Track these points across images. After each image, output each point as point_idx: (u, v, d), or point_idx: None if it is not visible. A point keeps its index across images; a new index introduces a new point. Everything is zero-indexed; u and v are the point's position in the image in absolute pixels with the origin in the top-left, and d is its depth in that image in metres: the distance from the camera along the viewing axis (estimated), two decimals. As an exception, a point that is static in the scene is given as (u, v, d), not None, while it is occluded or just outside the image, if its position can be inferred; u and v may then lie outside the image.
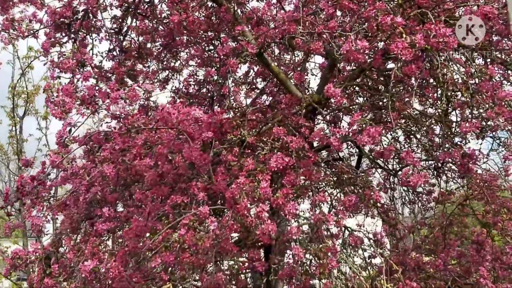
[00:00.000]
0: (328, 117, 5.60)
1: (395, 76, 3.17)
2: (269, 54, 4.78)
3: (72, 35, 3.60)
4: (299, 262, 3.25)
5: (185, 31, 3.90)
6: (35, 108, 7.72)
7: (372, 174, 5.97)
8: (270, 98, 5.34)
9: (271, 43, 3.95)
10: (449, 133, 4.80)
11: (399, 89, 3.99)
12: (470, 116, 3.49)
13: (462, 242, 5.42)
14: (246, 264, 3.77)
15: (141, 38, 4.88)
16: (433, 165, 4.23)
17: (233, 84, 4.50)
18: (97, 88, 3.06)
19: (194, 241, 3.06)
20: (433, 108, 5.10)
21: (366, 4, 3.55)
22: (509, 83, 4.13)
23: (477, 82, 3.53)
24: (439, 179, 4.51)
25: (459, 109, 3.73)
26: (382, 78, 5.29)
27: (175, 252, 3.23)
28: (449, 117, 4.68)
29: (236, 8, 4.04)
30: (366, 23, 3.37)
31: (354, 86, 5.22)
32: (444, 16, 3.23)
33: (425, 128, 5.08)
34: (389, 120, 4.51)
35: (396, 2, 3.54)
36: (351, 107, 5.41)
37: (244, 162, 3.28)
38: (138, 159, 2.99)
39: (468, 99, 3.50)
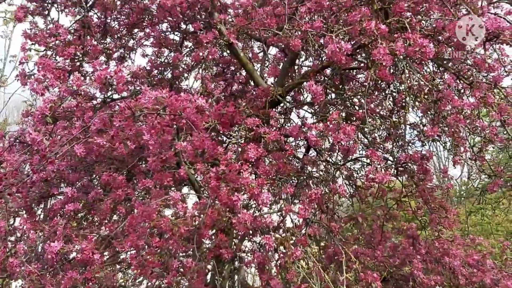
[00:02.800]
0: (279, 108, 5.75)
1: (371, 79, 3.35)
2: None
3: (47, 6, 3.43)
4: (270, 251, 3.36)
5: (168, 15, 3.84)
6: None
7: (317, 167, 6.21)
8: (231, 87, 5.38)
9: (248, 34, 4.00)
10: (396, 133, 5.14)
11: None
12: (432, 121, 3.75)
13: (399, 235, 5.84)
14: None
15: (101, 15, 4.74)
16: (394, 164, 4.50)
17: (204, 70, 4.50)
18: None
19: (170, 226, 3.07)
20: (381, 109, 5.42)
21: (343, 6, 3.72)
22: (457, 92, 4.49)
23: (436, 89, 3.83)
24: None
25: (422, 114, 4.00)
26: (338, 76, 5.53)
27: (144, 237, 3.22)
28: (393, 118, 5.01)
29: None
30: (346, 26, 3.52)
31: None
32: (420, 27, 3.44)
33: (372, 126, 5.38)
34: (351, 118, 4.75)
35: (371, 9, 3.73)
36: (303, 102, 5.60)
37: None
38: (117, 142, 2.93)
39: (429, 105, 3.78)
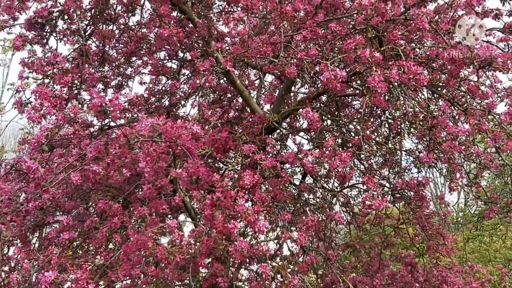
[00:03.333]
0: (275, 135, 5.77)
1: (366, 105, 3.37)
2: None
3: (46, 35, 3.47)
4: (267, 279, 3.32)
5: (166, 44, 3.90)
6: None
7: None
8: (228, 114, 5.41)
9: (244, 61, 4.04)
10: (393, 159, 5.15)
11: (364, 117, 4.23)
12: (428, 148, 3.77)
13: (397, 262, 5.78)
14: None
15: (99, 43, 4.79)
16: (391, 191, 4.50)
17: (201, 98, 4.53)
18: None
19: (166, 255, 3.04)
20: (377, 135, 5.45)
21: (338, 34, 3.77)
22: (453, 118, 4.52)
23: (430, 115, 3.86)
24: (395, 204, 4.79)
25: (418, 140, 4.02)
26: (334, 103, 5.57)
27: (139, 266, 3.18)
28: (389, 145, 5.04)
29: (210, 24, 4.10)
30: (340, 53, 3.57)
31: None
32: (413, 55, 3.49)
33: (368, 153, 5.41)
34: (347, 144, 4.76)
35: (365, 37, 3.79)
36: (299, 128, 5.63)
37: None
38: (112, 170, 2.92)
39: (425, 131, 3.81)
